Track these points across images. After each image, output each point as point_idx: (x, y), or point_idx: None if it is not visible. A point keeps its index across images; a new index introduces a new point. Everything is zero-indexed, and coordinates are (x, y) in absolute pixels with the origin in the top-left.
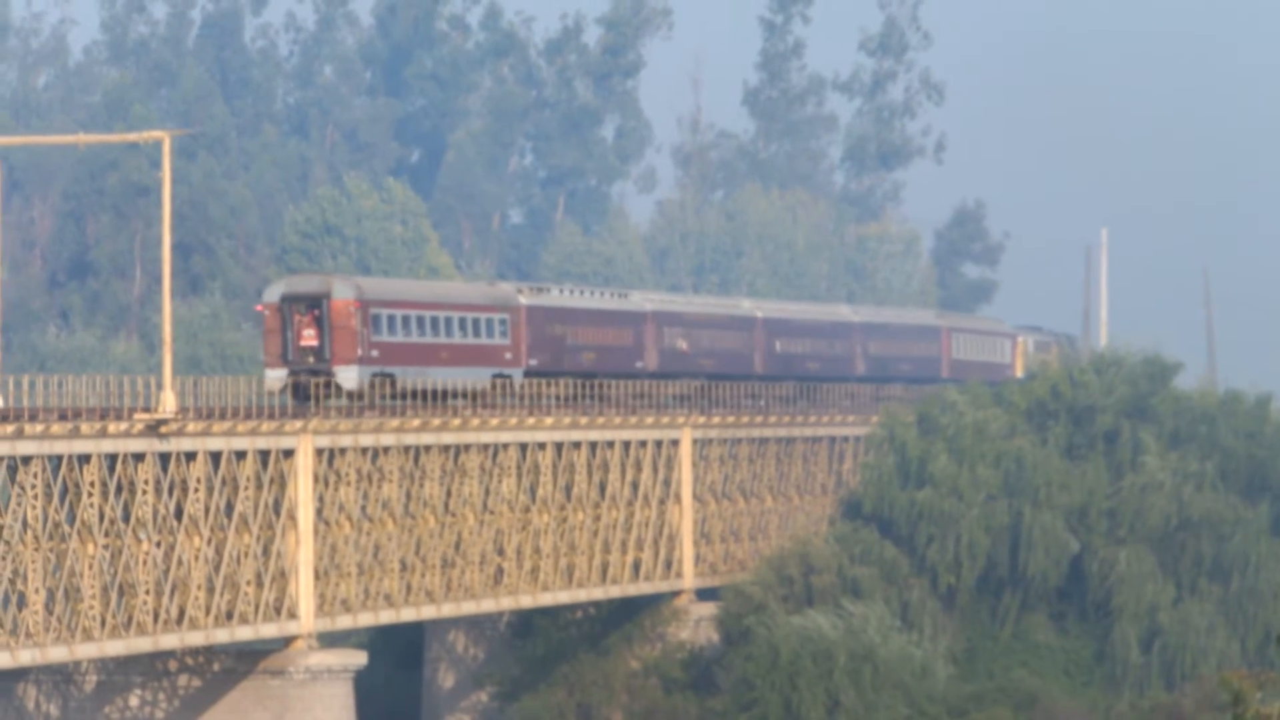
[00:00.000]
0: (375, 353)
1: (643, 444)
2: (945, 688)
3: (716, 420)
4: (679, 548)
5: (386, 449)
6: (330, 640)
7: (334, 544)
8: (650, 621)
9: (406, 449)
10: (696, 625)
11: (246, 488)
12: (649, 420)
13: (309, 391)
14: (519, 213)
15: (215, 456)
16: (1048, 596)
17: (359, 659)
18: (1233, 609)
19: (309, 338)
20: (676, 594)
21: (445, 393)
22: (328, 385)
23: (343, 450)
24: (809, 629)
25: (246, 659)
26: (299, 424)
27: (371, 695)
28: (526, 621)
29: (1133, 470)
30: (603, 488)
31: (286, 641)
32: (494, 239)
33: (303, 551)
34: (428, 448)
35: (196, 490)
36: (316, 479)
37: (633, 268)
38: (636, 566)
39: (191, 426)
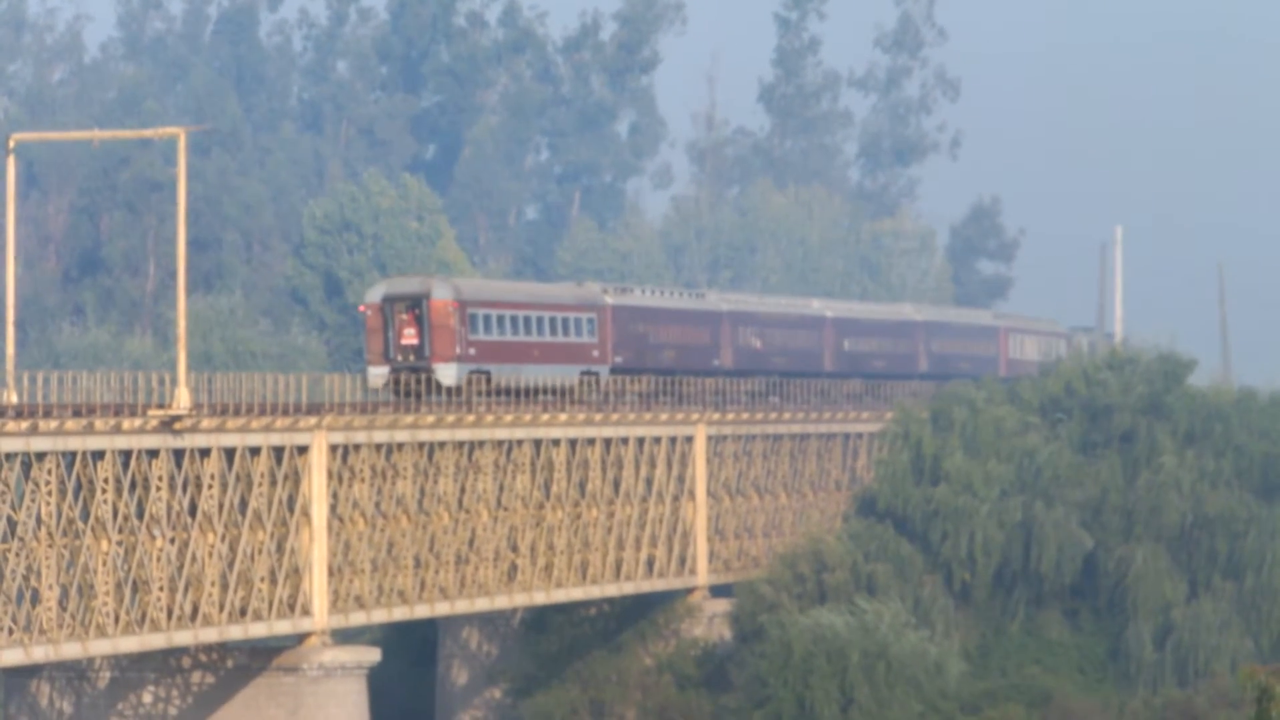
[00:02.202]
0: (472, 350)
1: (657, 440)
2: (959, 685)
3: (731, 417)
4: (693, 544)
5: (401, 445)
6: (344, 637)
7: (348, 540)
8: (664, 618)
9: (421, 445)
10: (710, 622)
11: (260, 484)
12: (663, 417)
13: (409, 388)
14: (534, 209)
15: (229, 453)
16: (1061, 593)
17: (373, 655)
18: (1246, 607)
19: (410, 336)
20: (690, 591)
21: (536, 390)
22: (428, 382)
23: (357, 446)
24: (823, 626)
25: (260, 656)
26: (313, 420)
27: (385, 692)
28: (540, 618)
29: (1148, 468)
30: (617, 484)
31: (300, 638)
32: (510, 235)
33: (317, 548)
34: (442, 444)
35: (210, 486)
36: (331, 475)
37: (648, 264)
38: (650, 563)
39: (206, 423)
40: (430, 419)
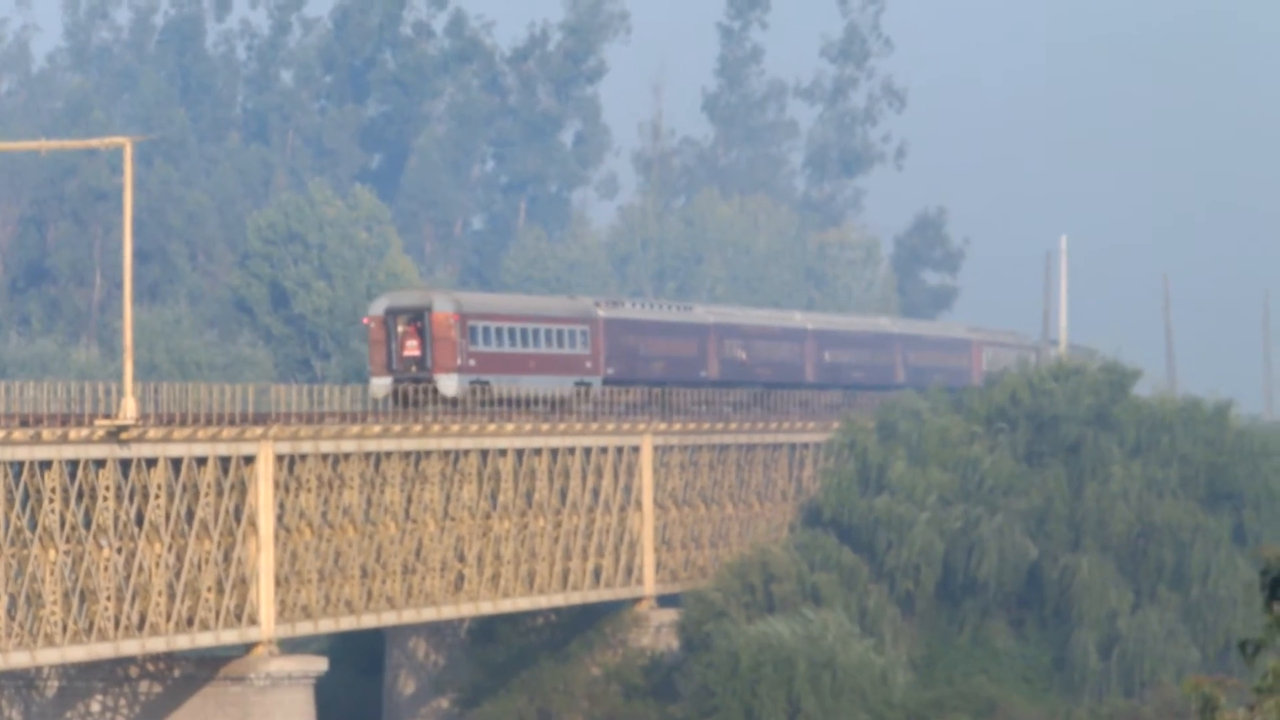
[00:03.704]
0: (473, 362)
1: (604, 450)
2: (905, 694)
3: (677, 427)
4: (640, 554)
5: (347, 455)
6: (291, 646)
7: (294, 550)
8: (611, 628)
9: (367, 455)
10: (657, 632)
11: (207, 494)
12: (610, 427)
13: (412, 398)
14: (481, 219)
15: (176, 463)
16: (1007, 603)
17: (319, 665)
18: (1192, 616)
19: (412, 348)
20: (637, 600)
21: (530, 400)
22: (430, 392)
23: (303, 457)
24: (769, 636)
25: (207, 665)
26: (259, 430)
27: (332, 702)
28: (487, 628)
29: (1095, 478)
30: (564, 494)
31: (247, 648)
32: (456, 245)
33: (263, 558)
34: (388, 454)
35: (157, 496)
36: (277, 485)
37: (594, 274)
38: (597, 573)
39: (152, 433)
40: (376, 429)
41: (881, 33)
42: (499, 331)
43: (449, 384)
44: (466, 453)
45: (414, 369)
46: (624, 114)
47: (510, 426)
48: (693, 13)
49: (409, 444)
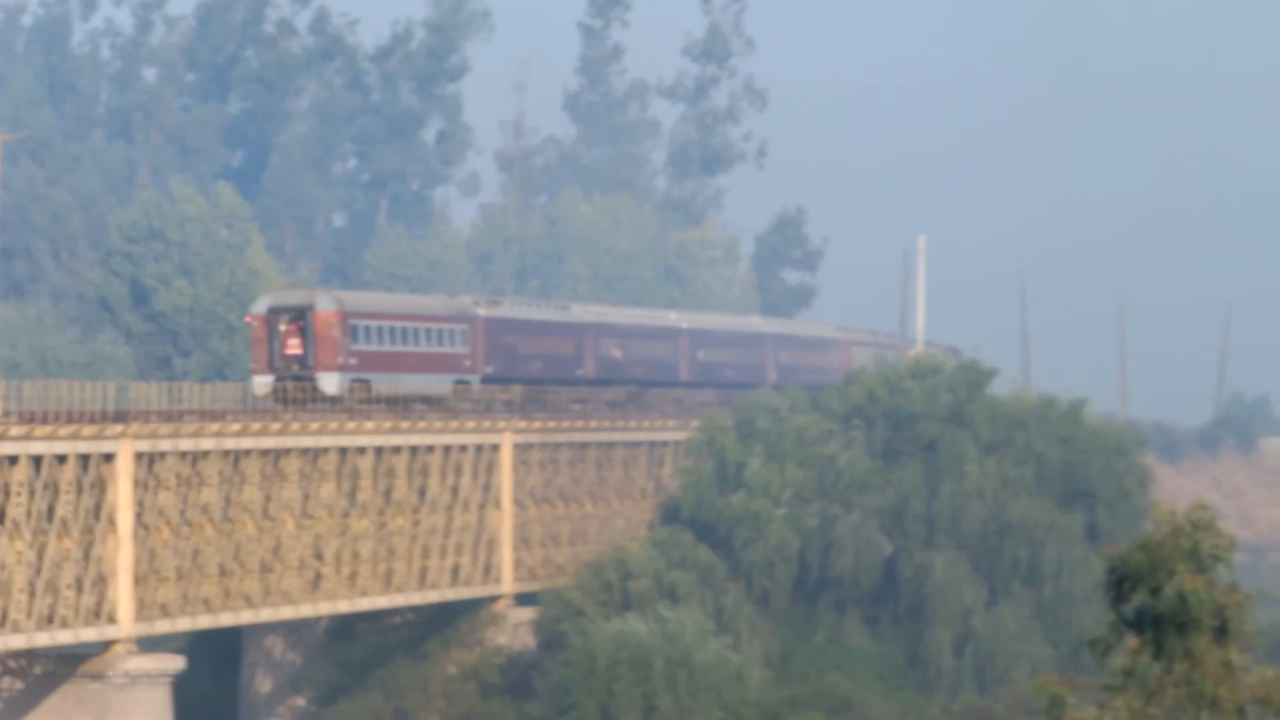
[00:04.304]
0: (354, 360)
1: (463, 448)
2: (760, 692)
3: (537, 424)
4: (498, 553)
5: (206, 453)
6: (150, 644)
7: (153, 548)
8: (468, 626)
9: (226, 453)
10: (515, 630)
11: (68, 491)
12: (469, 425)
13: (293, 396)
14: (342, 216)
15: (37, 460)
16: (862, 600)
17: (177, 663)
18: (1046, 614)
19: (294, 346)
20: (495, 599)
21: (412, 398)
22: (311, 391)
23: (162, 454)
24: (626, 634)
25: (67, 663)
26: (119, 428)
27: (190, 700)
28: (345, 626)
29: (950, 476)
30: (422, 492)
31: (106, 645)
32: (317, 242)
33: (122, 556)
34: (247, 452)
35: (19, 494)
36: (136, 483)
37: (456, 272)
38: (455, 571)
39: (13, 430)
40: (235, 427)
41: (743, 32)
42: (380, 330)
43: (330, 382)
44: (325, 451)
45: (295, 367)
46: (486, 112)
47: (369, 424)
48: (555, 11)
49: (268, 442)
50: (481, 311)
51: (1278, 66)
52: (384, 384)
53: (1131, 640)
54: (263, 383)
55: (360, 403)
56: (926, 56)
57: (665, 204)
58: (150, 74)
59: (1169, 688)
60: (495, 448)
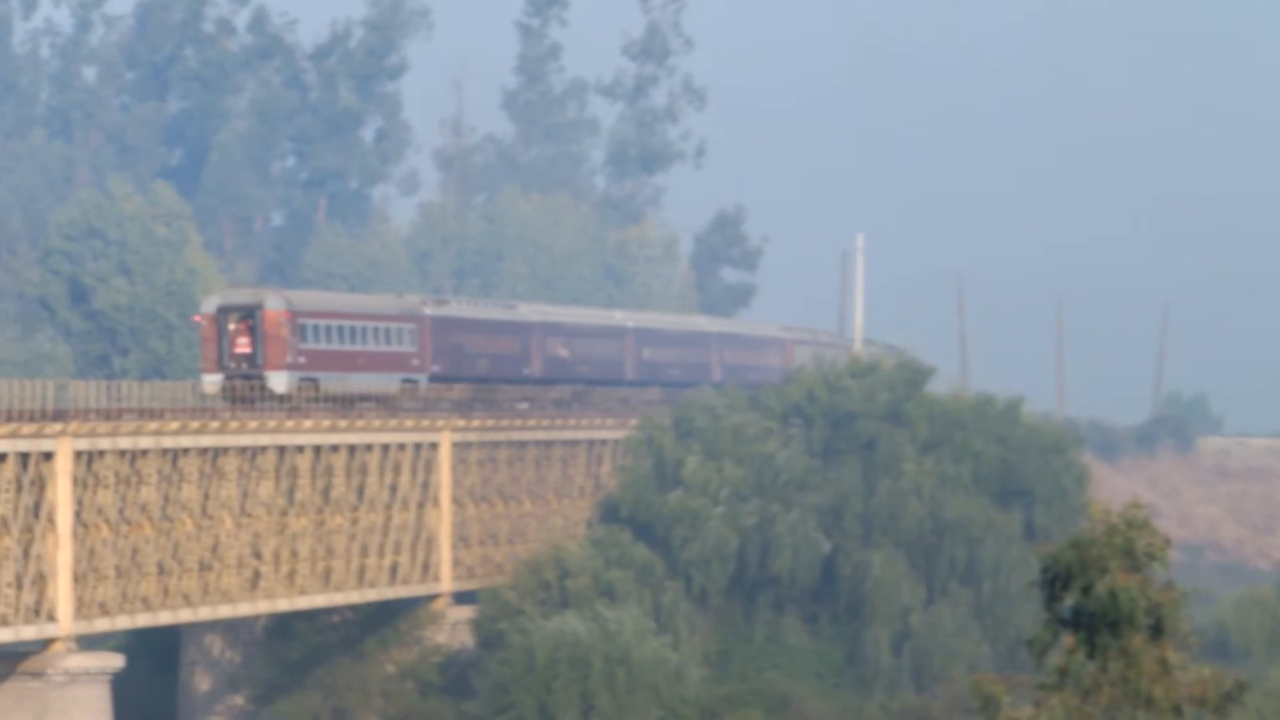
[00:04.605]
0: (302, 359)
1: (401, 447)
2: (698, 690)
3: (476, 423)
4: (437, 551)
5: (145, 452)
6: (89, 643)
7: (93, 547)
8: (407, 625)
9: (164, 452)
10: (453, 629)
11: (6, 490)
12: (408, 423)
13: (243, 394)
14: (281, 215)
15: None
16: (800, 599)
17: (116, 661)
18: (984, 612)
19: (243, 345)
20: (434, 598)
21: (361, 396)
22: (260, 389)
23: (101, 453)
24: (564, 633)
25: (6, 661)
26: (58, 427)
27: (129, 698)
28: (283, 625)
29: (888, 474)
30: (361, 491)
31: (46, 644)
32: (255, 241)
33: (62, 554)
34: (186, 450)
35: None
36: (76, 482)
37: (396, 270)
38: (394, 570)
39: None
40: (174, 425)
41: (682, 31)
42: (328, 329)
43: (279, 381)
44: (264, 449)
45: (245, 366)
46: (425, 111)
47: (308, 423)
48: (494, 10)
49: (206, 440)
50: (429, 311)
51: (1215, 68)
52: (333, 383)
53: (1067, 639)
54: (212, 381)
55: (309, 401)
56: (864, 56)
57: (604, 203)
58: (90, 73)
59: (1105, 686)
60: (434, 446)
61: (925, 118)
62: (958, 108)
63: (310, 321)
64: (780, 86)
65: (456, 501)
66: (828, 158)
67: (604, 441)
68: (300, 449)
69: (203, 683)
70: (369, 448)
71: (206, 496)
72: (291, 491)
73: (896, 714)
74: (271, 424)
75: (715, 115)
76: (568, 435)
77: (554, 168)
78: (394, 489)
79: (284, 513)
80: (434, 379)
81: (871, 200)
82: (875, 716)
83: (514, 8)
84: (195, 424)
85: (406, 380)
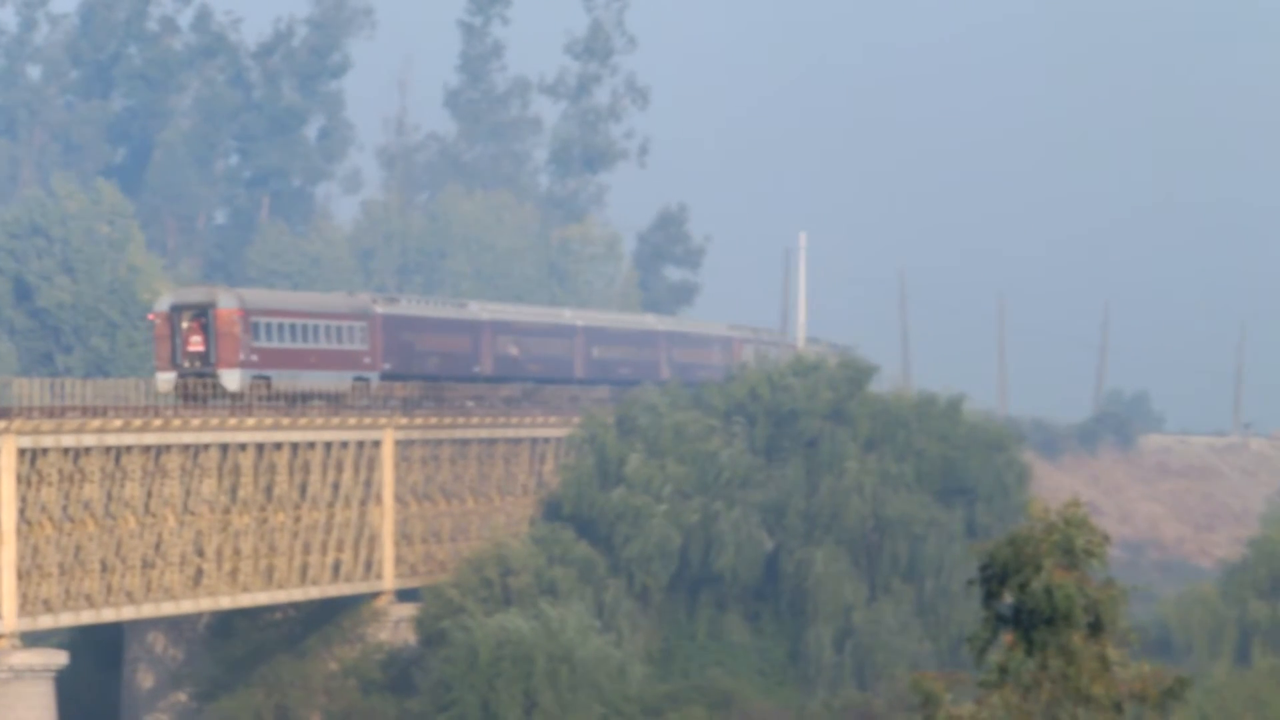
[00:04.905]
0: (255, 357)
1: (344, 445)
2: (641, 688)
3: (419, 421)
4: (379, 549)
5: (88, 449)
6: (33, 640)
7: (36, 544)
8: (350, 623)
9: (108, 449)
10: (396, 626)
11: None
12: (351, 421)
13: (195, 392)
14: (224, 213)
15: None
16: (743, 596)
17: (60, 659)
18: (926, 609)
19: (196, 344)
20: (376, 595)
21: (312, 394)
22: (213, 387)
23: (45, 451)
24: (507, 630)
25: None
26: (2, 424)
27: (73, 695)
28: (226, 622)
29: (831, 472)
30: (304, 489)
31: None
32: (199, 239)
33: (5, 552)
34: (129, 448)
35: None
36: (19, 479)
37: (339, 268)
38: (337, 567)
39: None
40: (118, 423)
41: (625, 30)
42: (281, 328)
43: (232, 379)
44: (207, 447)
45: (198, 364)
46: (368, 109)
47: (250, 421)
48: (436, 9)
49: (149, 438)
50: (380, 309)
51: (1153, 71)
52: (285, 380)
53: (1006, 636)
54: (165, 380)
55: (261, 399)
56: (805, 56)
57: (547, 201)
58: (34, 71)
59: (1045, 683)
60: (377, 444)
61: (868, 118)
62: (899, 108)
63: (263, 320)
64: (723, 85)
65: (399, 499)
66: (771, 157)
67: (547, 440)
68: (243, 447)
69: (146, 680)
70: (312, 445)
71: (149, 494)
72: (234, 489)
73: (838, 711)
74: (214, 422)
75: (658, 114)
76: (511, 433)
77: (497, 166)
78: (337, 487)
79: (227, 510)
80: (385, 377)
81: (814, 199)
82: (817, 714)
83: (456, 6)
84: (138, 421)
85: (358, 378)
